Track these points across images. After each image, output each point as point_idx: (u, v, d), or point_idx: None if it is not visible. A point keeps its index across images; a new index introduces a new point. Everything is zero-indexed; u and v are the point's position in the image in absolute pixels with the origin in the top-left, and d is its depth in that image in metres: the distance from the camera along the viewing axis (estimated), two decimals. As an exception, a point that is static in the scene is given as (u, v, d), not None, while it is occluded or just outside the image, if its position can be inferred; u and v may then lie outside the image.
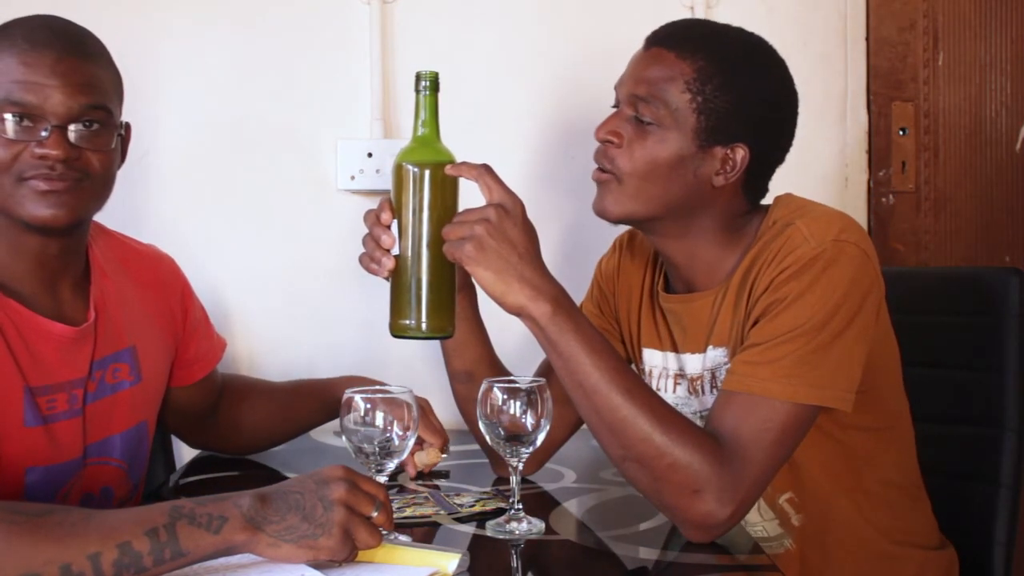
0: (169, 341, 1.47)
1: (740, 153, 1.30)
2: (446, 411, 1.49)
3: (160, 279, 1.47)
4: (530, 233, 1.18)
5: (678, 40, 1.32)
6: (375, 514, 1.02)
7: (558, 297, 1.16)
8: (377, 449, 1.14)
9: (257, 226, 2.04)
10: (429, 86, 1.19)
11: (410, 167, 1.18)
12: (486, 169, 1.18)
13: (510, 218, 1.16)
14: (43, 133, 1.21)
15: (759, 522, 1.35)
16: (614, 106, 1.36)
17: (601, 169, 1.34)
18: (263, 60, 2.04)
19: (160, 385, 1.46)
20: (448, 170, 1.18)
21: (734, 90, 1.29)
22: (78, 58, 1.24)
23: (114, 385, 1.35)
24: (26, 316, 1.25)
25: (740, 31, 1.36)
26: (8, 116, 1.20)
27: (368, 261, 1.21)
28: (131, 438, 1.38)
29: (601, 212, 1.34)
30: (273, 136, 2.04)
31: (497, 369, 1.44)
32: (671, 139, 1.28)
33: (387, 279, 1.21)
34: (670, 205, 1.31)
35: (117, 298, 1.38)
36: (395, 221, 1.19)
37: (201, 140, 2.01)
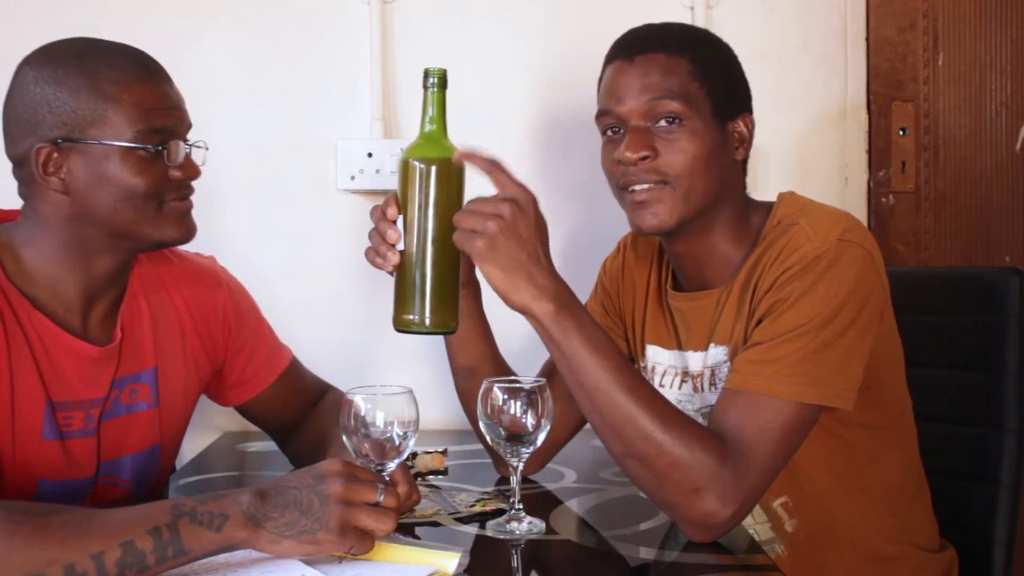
0: (203, 363, 1.44)
1: (746, 122, 1.36)
2: (447, 409, 1.50)
3: (200, 299, 1.43)
4: (540, 229, 1.17)
5: (657, 43, 1.33)
6: (381, 498, 1.03)
7: (561, 296, 1.16)
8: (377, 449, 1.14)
9: (257, 226, 2.05)
10: (437, 83, 1.19)
11: (416, 163, 1.17)
12: (496, 164, 1.18)
13: (523, 215, 1.15)
14: (182, 156, 1.26)
15: (751, 525, 1.35)
16: (610, 130, 1.35)
17: (641, 187, 1.31)
18: (263, 60, 2.04)
19: (182, 410, 1.43)
20: (457, 156, 1.17)
21: (722, 67, 1.35)
22: (172, 80, 1.29)
23: (130, 406, 1.34)
24: (53, 332, 1.25)
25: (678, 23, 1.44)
26: (153, 144, 1.23)
27: (373, 256, 1.21)
28: (142, 460, 1.37)
29: (656, 227, 1.31)
30: (273, 136, 2.04)
31: (500, 366, 1.44)
32: (700, 129, 1.30)
33: (391, 274, 1.21)
34: (712, 195, 1.32)
35: (149, 318, 1.36)
36: (401, 216, 1.19)
37: (200, 141, 2.01)
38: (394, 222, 1.18)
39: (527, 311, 1.16)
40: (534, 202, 1.17)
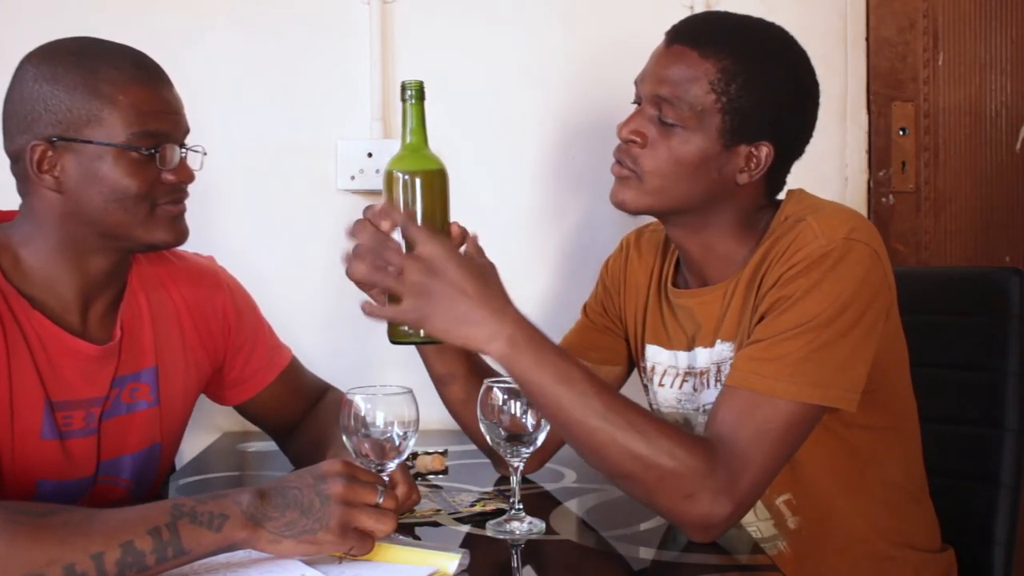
0: (203, 362, 1.44)
1: (765, 151, 1.29)
2: (443, 411, 1.50)
3: (200, 298, 1.43)
4: (474, 270, 1.12)
5: (701, 37, 1.29)
6: (380, 500, 1.03)
7: (513, 334, 1.12)
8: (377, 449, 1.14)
9: (257, 226, 2.05)
10: (414, 95, 1.20)
11: (402, 175, 1.18)
12: (409, 218, 1.14)
13: (441, 263, 1.11)
14: (176, 160, 1.26)
15: (754, 522, 1.35)
16: (635, 102, 1.34)
17: (621, 165, 1.32)
18: (263, 61, 2.04)
19: (182, 409, 1.43)
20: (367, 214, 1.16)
21: (759, 88, 1.27)
22: (172, 84, 1.29)
23: (130, 405, 1.34)
24: (52, 331, 1.25)
25: (761, 23, 1.34)
26: (147, 146, 1.23)
27: (372, 271, 1.16)
28: (142, 459, 1.37)
29: (620, 205, 1.33)
30: (273, 136, 2.04)
31: (477, 366, 1.42)
32: (696, 140, 1.27)
33: (382, 303, 1.20)
34: (692, 202, 1.31)
35: (149, 317, 1.36)
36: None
37: (201, 142, 2.01)
38: (391, 232, 1.17)
39: (485, 353, 1.15)
40: (443, 252, 1.11)
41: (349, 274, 1.19)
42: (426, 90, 1.21)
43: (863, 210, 2.13)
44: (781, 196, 1.38)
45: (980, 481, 1.52)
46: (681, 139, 1.28)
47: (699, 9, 2.01)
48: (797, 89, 1.32)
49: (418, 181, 1.18)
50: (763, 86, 1.28)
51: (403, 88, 1.20)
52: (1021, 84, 2.13)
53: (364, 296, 1.24)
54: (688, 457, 1.12)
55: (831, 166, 2.12)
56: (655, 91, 1.29)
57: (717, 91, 1.26)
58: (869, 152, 2.14)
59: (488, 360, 1.46)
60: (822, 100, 2.05)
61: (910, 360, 1.39)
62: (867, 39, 2.13)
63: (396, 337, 1.20)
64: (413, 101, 1.20)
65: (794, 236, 1.25)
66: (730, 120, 1.27)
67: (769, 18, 1.37)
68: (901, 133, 2.13)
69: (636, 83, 1.35)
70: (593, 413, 1.13)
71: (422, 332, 1.18)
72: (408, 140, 1.20)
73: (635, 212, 1.34)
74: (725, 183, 1.30)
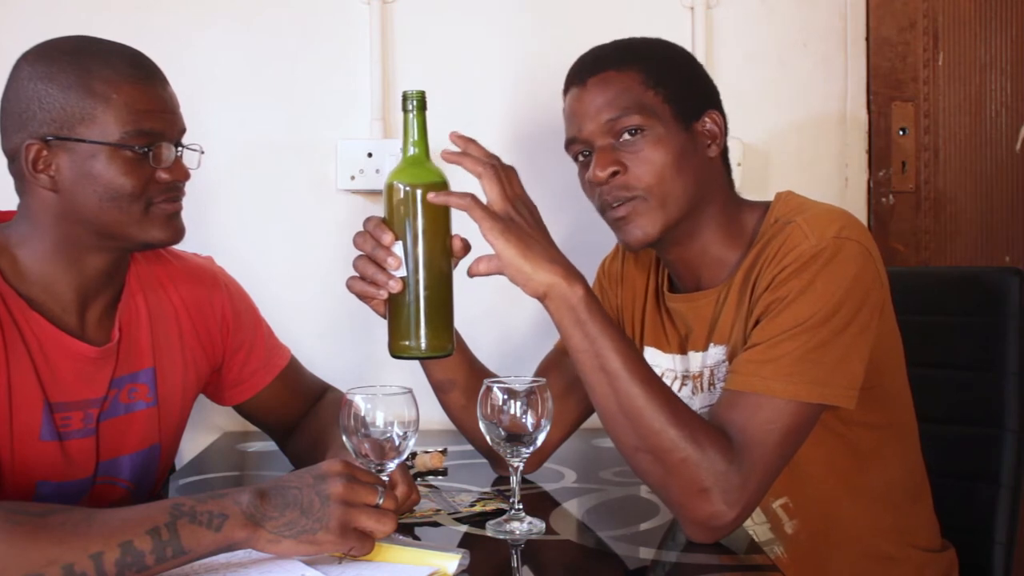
0: (201, 362, 1.43)
1: (714, 118, 1.36)
2: (444, 412, 1.50)
3: (198, 298, 1.43)
4: (542, 224, 1.20)
5: (605, 62, 1.35)
6: (380, 501, 1.03)
7: (584, 280, 1.17)
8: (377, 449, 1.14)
9: (257, 226, 2.05)
10: (417, 105, 1.18)
11: (405, 187, 1.16)
12: (474, 200, 1.15)
13: (524, 211, 1.18)
14: (170, 158, 1.25)
15: (750, 526, 1.35)
16: (583, 154, 1.36)
17: (618, 205, 1.33)
18: (263, 60, 2.04)
19: (180, 409, 1.43)
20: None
21: (676, 71, 1.36)
22: (168, 83, 1.29)
23: (128, 405, 1.34)
24: (50, 332, 1.25)
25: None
26: (140, 145, 1.22)
27: (363, 286, 1.18)
28: (141, 460, 1.37)
29: (641, 239, 1.33)
30: (273, 136, 2.04)
31: (477, 371, 1.43)
32: (663, 136, 1.31)
33: (382, 313, 1.20)
34: (692, 197, 1.32)
35: (147, 317, 1.36)
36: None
37: (200, 142, 2.01)
38: (390, 247, 1.16)
39: (552, 292, 1.15)
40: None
41: (348, 286, 1.20)
42: (427, 97, 1.18)
43: (863, 210, 2.13)
44: (770, 198, 1.38)
45: (980, 481, 1.52)
46: (652, 141, 1.31)
47: (699, 10, 2.01)
48: (690, 58, 1.41)
49: (421, 194, 1.16)
50: (677, 68, 1.37)
51: (404, 98, 1.18)
52: (1021, 84, 2.13)
53: (362, 302, 1.23)
54: (711, 449, 1.13)
55: (831, 166, 2.12)
56: (602, 119, 1.32)
57: (652, 86, 1.32)
58: (869, 152, 2.14)
59: (487, 362, 1.47)
60: (822, 100, 2.06)
61: (910, 360, 1.39)
62: (867, 39, 2.13)
63: (397, 352, 1.19)
64: (415, 112, 1.18)
65: (784, 238, 1.25)
66: (677, 106, 1.32)
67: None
68: (901, 133, 2.13)
69: (570, 141, 1.37)
70: (638, 376, 1.15)
71: (423, 347, 1.17)
72: (410, 152, 1.18)
73: (656, 238, 1.33)
74: (704, 164, 1.34)
